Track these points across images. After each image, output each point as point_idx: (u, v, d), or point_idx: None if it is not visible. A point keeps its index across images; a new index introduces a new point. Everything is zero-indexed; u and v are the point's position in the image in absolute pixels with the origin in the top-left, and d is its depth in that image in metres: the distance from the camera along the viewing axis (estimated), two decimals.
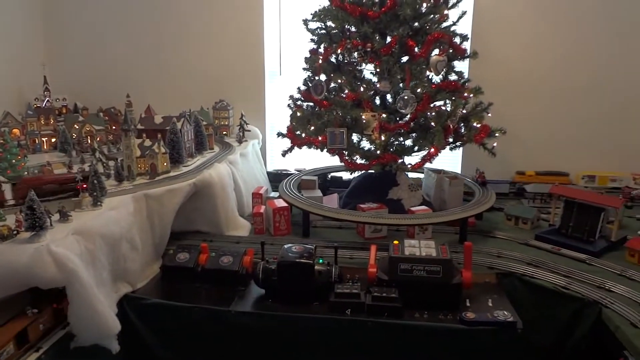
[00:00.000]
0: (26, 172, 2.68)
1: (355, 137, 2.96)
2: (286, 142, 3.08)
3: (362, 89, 2.86)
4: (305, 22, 3.05)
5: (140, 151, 2.64)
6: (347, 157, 2.91)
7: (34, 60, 4.08)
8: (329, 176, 3.61)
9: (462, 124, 2.95)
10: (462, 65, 3.12)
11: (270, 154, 4.11)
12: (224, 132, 3.76)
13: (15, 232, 1.90)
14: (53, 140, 3.42)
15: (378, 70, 2.86)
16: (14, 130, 3.35)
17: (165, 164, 2.71)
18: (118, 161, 2.70)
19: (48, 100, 3.79)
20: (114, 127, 3.66)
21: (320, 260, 2.32)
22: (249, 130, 3.71)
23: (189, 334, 2.26)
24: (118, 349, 1.98)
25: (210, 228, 2.83)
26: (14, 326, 1.85)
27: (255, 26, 3.95)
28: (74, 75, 4.19)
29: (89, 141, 3.34)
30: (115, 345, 1.97)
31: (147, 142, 2.68)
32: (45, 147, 3.40)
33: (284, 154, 3.04)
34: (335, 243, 2.49)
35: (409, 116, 2.87)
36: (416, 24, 2.88)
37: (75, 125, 3.42)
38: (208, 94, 3.93)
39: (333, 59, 3.00)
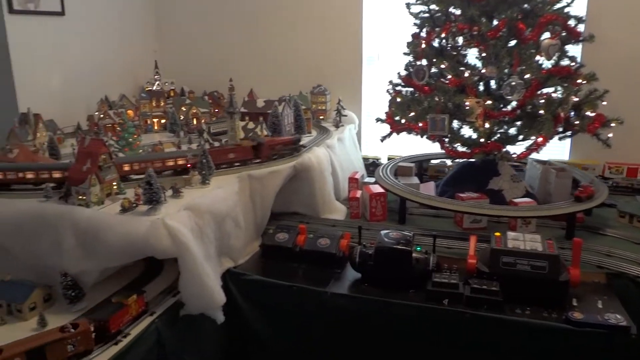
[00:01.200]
0: (141, 150, 2.89)
1: (455, 124, 2.89)
2: (384, 128, 3.07)
3: (466, 74, 2.76)
4: (408, 5, 2.99)
5: (243, 133, 2.74)
6: (447, 145, 2.84)
7: (147, 47, 4.36)
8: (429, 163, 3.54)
9: (573, 113, 2.76)
10: (574, 50, 2.91)
11: (365, 139, 4.11)
12: (321, 117, 3.80)
13: (134, 204, 2.05)
14: (163, 121, 3.65)
15: (484, 54, 2.75)
16: (128, 111, 3.60)
17: None
18: (222, 142, 2.83)
19: (158, 84, 4.04)
20: (216, 110, 3.83)
21: (418, 248, 2.29)
22: (346, 115, 3.72)
23: (285, 310, 2.33)
24: (223, 319, 2.09)
25: (307, 210, 2.89)
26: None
27: (355, 11, 3.94)
28: (181, 61, 4.43)
29: (195, 122, 3.52)
30: (221, 315, 2.08)
31: (250, 125, 2.77)
32: (155, 127, 3.63)
33: (383, 139, 3.03)
34: (434, 231, 2.44)
35: (514, 103, 2.74)
36: (526, 5, 2.73)
37: (183, 108, 3.62)
38: (306, 79, 4.00)
39: (436, 43, 2.92)
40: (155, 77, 4.07)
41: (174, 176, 2.37)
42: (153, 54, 4.23)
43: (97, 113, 3.47)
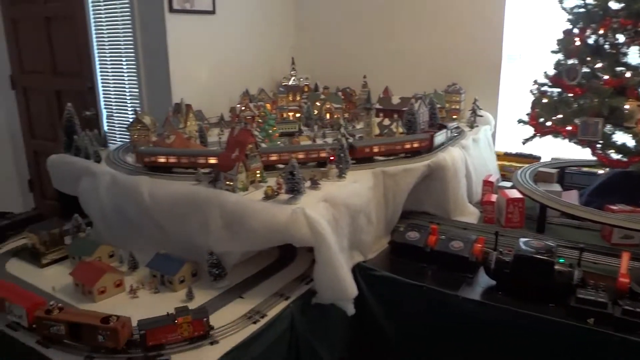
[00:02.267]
0: (279, 142, 3.02)
1: (607, 129, 2.64)
2: (524, 130, 2.91)
3: (627, 75, 2.51)
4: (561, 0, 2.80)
5: (379, 129, 2.75)
6: (599, 151, 2.62)
7: (285, 43, 4.55)
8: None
9: None
10: None
11: (499, 141, 3.93)
12: (454, 116, 3.69)
13: (276, 193, 2.16)
14: (297, 115, 3.79)
15: None
16: (266, 104, 3.78)
17: None
18: (356, 137, 2.86)
19: (294, 79, 4.19)
20: (347, 106, 3.89)
21: (561, 260, 2.14)
22: (481, 116, 3.58)
23: (413, 310, 2.31)
24: (353, 311, 2.12)
25: (437, 211, 2.83)
26: None
27: (497, 5, 3.77)
28: (316, 57, 4.56)
29: (328, 117, 3.60)
30: (351, 308, 2.12)
31: (386, 122, 2.77)
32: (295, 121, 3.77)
33: (525, 142, 2.87)
34: (581, 244, 2.27)
35: None
36: None
37: (317, 103, 3.72)
38: (440, 77, 3.90)
39: (591, 41, 2.70)
40: (292, 72, 4.23)
41: (314, 168, 2.45)
42: (290, 50, 4.40)
43: (238, 105, 3.69)
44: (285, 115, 3.77)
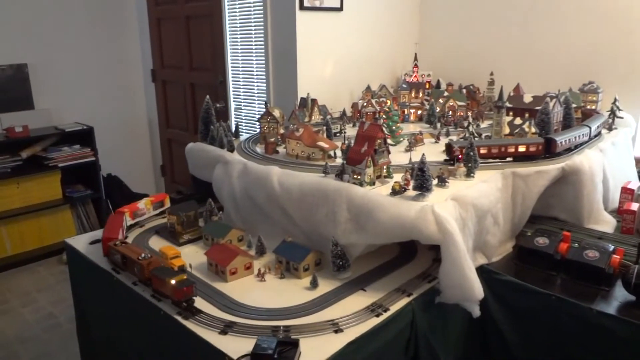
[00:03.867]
0: (402, 139, 3.02)
1: None
2: None
3: None
4: None
5: (509, 129, 2.65)
6: None
7: (408, 39, 4.52)
8: None
9: None
10: None
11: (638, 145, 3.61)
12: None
13: (403, 189, 2.16)
14: (419, 112, 3.76)
15: None
16: (387, 101, 3.80)
17: None
18: (483, 136, 2.78)
19: (416, 76, 4.16)
20: (470, 104, 3.78)
21: None
22: (622, 117, 3.31)
23: (539, 320, 2.20)
24: (478, 314, 2.08)
25: (568, 217, 2.67)
26: None
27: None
28: (440, 53, 4.48)
29: (452, 115, 3.54)
30: (477, 310, 2.07)
31: (517, 121, 2.66)
32: (412, 117, 3.76)
33: None
34: None
35: None
36: None
37: (440, 100, 3.67)
38: (574, 74, 3.67)
39: None
40: (414, 68, 4.20)
41: (442, 165, 2.43)
42: (414, 46, 4.36)
43: (360, 101, 3.74)
44: (407, 112, 3.77)
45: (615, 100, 3.31)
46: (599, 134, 3.04)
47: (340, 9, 3.88)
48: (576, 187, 2.57)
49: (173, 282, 2.00)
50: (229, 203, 2.79)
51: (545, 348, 2.21)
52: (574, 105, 3.07)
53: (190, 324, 1.93)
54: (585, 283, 2.21)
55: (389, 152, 2.38)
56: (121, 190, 5.50)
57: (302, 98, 3.40)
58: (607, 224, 2.68)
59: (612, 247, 2.28)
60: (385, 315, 1.96)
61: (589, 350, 2.08)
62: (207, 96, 3.19)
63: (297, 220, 2.41)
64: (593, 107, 3.44)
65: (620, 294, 2.13)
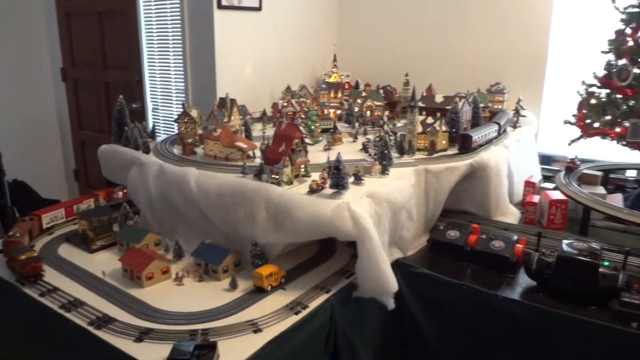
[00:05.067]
0: (321, 138, 3.06)
1: None
2: (569, 131, 2.87)
3: None
4: None
5: (422, 128, 2.76)
6: None
7: (327, 40, 4.58)
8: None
9: None
10: None
11: (541, 141, 3.87)
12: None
13: (320, 187, 2.20)
14: (338, 112, 3.82)
15: None
16: (307, 101, 3.83)
17: (444, 142, 2.78)
18: (398, 135, 2.88)
19: (335, 76, 4.22)
20: (388, 104, 3.90)
21: (606, 263, 2.11)
22: (525, 116, 3.54)
23: (451, 309, 2.31)
24: (393, 306, 2.15)
25: (478, 210, 2.83)
26: None
27: (543, 5, 3.71)
28: (359, 54, 4.58)
29: (370, 115, 3.63)
30: (392, 302, 2.14)
31: (429, 120, 2.78)
32: (332, 117, 3.80)
33: (571, 143, 2.83)
34: (626, 247, 2.23)
35: None
36: None
37: (358, 100, 3.75)
38: (483, 76, 3.87)
39: None
40: (333, 69, 4.26)
41: (358, 163, 2.48)
42: (333, 47, 4.43)
43: (280, 101, 3.75)
44: (326, 111, 3.82)
45: (519, 100, 3.53)
46: (504, 131, 3.24)
47: (259, 8, 3.87)
48: (484, 182, 2.72)
49: (22, 257, 2.14)
50: (145, 206, 2.70)
51: (457, 336, 2.32)
52: (481, 105, 3.25)
53: (102, 334, 1.86)
54: (493, 271, 2.34)
55: (306, 152, 2.40)
56: (29, 196, 5.16)
57: (221, 98, 3.35)
58: (512, 215, 2.86)
59: (516, 237, 2.43)
60: (304, 313, 1.99)
61: (497, 335, 2.21)
62: (121, 96, 3.07)
63: (216, 221, 2.38)
64: (499, 107, 3.65)
65: (524, 280, 2.28)
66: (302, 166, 2.38)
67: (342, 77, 4.28)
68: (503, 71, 3.87)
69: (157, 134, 3.33)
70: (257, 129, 3.38)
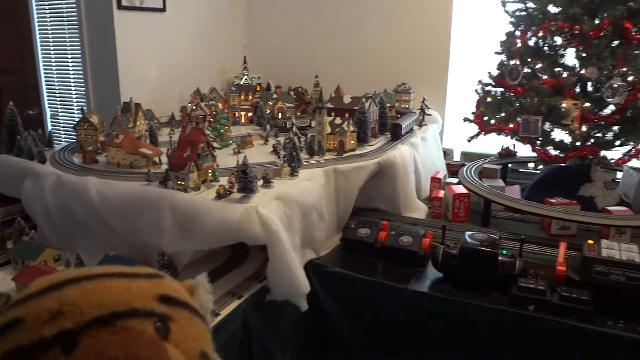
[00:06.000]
0: (231, 142, 3.02)
1: (546, 127, 2.79)
2: (469, 128, 3.02)
3: (564, 75, 2.66)
4: (503, 3, 2.92)
5: (330, 128, 2.79)
6: (539, 148, 2.75)
7: (237, 42, 4.53)
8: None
9: None
10: None
11: (447, 139, 4.06)
12: (425, 123, 3.77)
13: (228, 192, 2.16)
14: (250, 114, 3.79)
15: (584, 55, 2.63)
16: (218, 104, 3.76)
17: (352, 142, 2.83)
18: (308, 136, 2.90)
19: (246, 79, 4.19)
20: (299, 105, 3.91)
21: (504, 251, 2.24)
22: (430, 115, 3.69)
23: (365, 304, 2.36)
24: (306, 307, 2.15)
25: (388, 207, 2.90)
26: None
27: (444, 9, 3.90)
28: (269, 56, 4.56)
29: (281, 117, 3.62)
30: (304, 304, 2.14)
31: (337, 120, 2.82)
32: (243, 120, 3.77)
33: (470, 139, 2.98)
34: (522, 235, 2.38)
35: (613, 106, 2.61)
36: (632, 3, 2.59)
37: (270, 102, 3.73)
38: (390, 76, 4.00)
39: (532, 43, 2.84)
40: (244, 71, 4.22)
41: (267, 166, 2.47)
42: (243, 49, 4.39)
43: (189, 104, 3.65)
44: (237, 114, 3.77)
45: (424, 99, 3.68)
46: (411, 130, 3.35)
47: (163, 9, 3.75)
48: (392, 179, 2.80)
49: None
50: (42, 220, 2.52)
51: (372, 330, 2.37)
52: (388, 105, 3.34)
53: None
54: (403, 266, 2.41)
55: (213, 156, 2.35)
56: None
57: (124, 103, 3.21)
58: (420, 211, 2.97)
59: (423, 231, 2.52)
60: (215, 321, 1.94)
61: (409, 328, 2.28)
62: (11, 102, 2.86)
63: (120, 232, 2.27)
64: (406, 106, 3.78)
65: (432, 272, 2.37)
66: (210, 171, 2.32)
67: (254, 79, 4.26)
68: (409, 71, 4.02)
69: (56, 142, 3.12)
70: (165, 134, 3.27)
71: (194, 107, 3.53)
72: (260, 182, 2.27)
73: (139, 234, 2.20)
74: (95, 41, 3.57)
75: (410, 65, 4.06)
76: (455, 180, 3.12)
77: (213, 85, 4.04)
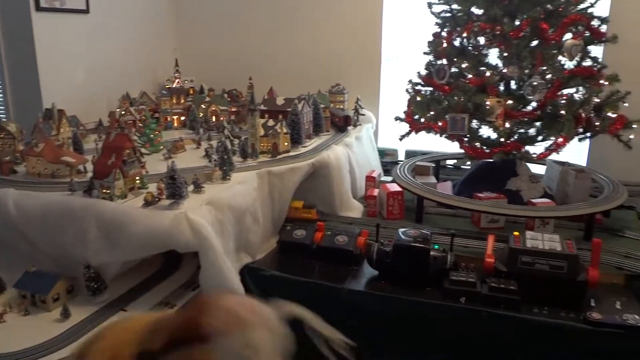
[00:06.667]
0: (161, 147, 2.93)
1: (474, 124, 2.88)
2: (402, 127, 3.07)
3: (487, 74, 2.76)
4: (430, 5, 3.00)
5: (263, 130, 2.77)
6: (467, 144, 2.84)
7: (168, 45, 4.41)
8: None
9: (594, 114, 2.74)
10: (596, 51, 2.90)
11: (382, 138, 4.12)
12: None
13: (157, 199, 2.09)
14: (182, 118, 3.69)
15: (505, 54, 2.74)
16: (148, 108, 3.65)
17: (286, 143, 2.82)
18: (242, 139, 2.86)
19: (178, 82, 4.09)
20: (234, 109, 3.85)
21: (436, 246, 2.30)
22: (364, 115, 3.73)
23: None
24: None
25: (324, 207, 2.90)
26: None
27: (375, 10, 3.96)
28: (201, 59, 4.47)
29: (214, 120, 3.56)
30: None
31: (270, 122, 2.80)
32: (175, 124, 3.67)
33: (402, 138, 3.03)
34: (452, 230, 2.45)
35: (535, 103, 2.74)
36: (549, 5, 2.72)
37: (203, 105, 3.65)
38: (325, 78, 4.01)
39: (457, 43, 2.93)
40: (176, 74, 4.12)
41: (197, 171, 2.41)
42: (173, 52, 4.27)
43: (118, 110, 3.52)
44: (169, 118, 3.67)
45: (358, 100, 3.71)
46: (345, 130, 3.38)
47: (87, 11, 3.59)
48: (327, 179, 2.81)
49: None
50: None
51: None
52: (322, 106, 3.35)
53: None
54: (339, 265, 2.42)
55: (140, 162, 2.28)
56: None
57: (46, 109, 3.06)
58: (356, 210, 2.99)
59: (358, 230, 2.54)
60: None
61: (348, 327, 2.27)
62: None
63: (42, 245, 2.15)
64: (340, 107, 3.81)
65: (368, 270, 2.39)
66: (137, 178, 2.24)
67: (186, 82, 4.16)
68: (343, 73, 4.04)
69: None
70: (92, 141, 3.12)
71: (123, 112, 3.41)
72: (191, 188, 2.21)
73: (62, 247, 2.10)
74: (12, 45, 3.37)
75: (344, 66, 4.09)
76: (389, 178, 3.16)
77: (144, 89, 3.92)
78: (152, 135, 2.86)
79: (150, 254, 2.13)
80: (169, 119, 3.66)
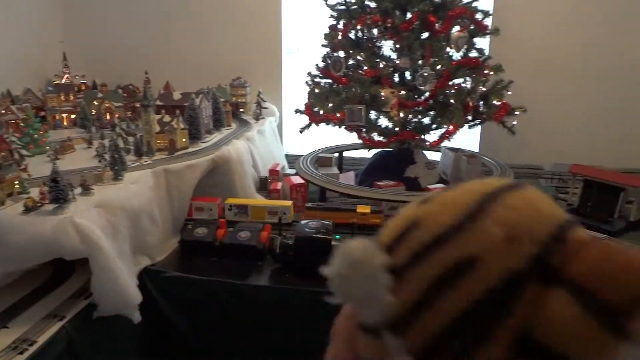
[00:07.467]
0: (47, 147, 2.73)
1: (372, 115, 2.95)
2: (304, 119, 3.09)
3: (381, 66, 2.83)
4: None
5: (159, 127, 2.66)
6: (364, 134, 2.91)
7: (54, 37, 4.11)
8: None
9: (481, 102, 2.92)
10: (482, 43, 3.08)
11: (287, 131, 4.12)
12: (242, 110, 3.76)
13: (39, 204, 1.94)
14: (73, 116, 3.46)
15: (398, 46, 2.83)
16: (32, 106, 3.38)
17: (184, 139, 2.73)
18: (137, 137, 2.73)
19: (67, 77, 3.83)
20: (131, 105, 3.68)
21: (338, 237, 2.33)
22: (266, 108, 3.70)
23: (207, 306, 2.29)
24: (139, 319, 2.02)
25: None
26: None
27: (273, 3, 3.93)
28: (93, 52, 4.21)
29: (108, 117, 3.37)
30: (137, 315, 2.02)
31: (167, 118, 2.69)
32: (65, 123, 3.43)
33: (302, 130, 3.05)
34: (354, 220, 2.50)
35: (427, 93, 2.85)
36: None
37: (95, 102, 3.45)
38: (226, 71, 3.93)
39: (352, 35, 2.98)
40: (64, 69, 3.85)
41: (85, 172, 2.27)
42: (59, 44, 3.99)
43: None
44: (58, 117, 3.43)
45: (260, 93, 3.68)
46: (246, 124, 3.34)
47: None
48: (228, 174, 2.76)
49: None
50: None
51: (217, 331, 2.32)
52: (222, 100, 3.28)
53: None
54: (243, 262, 2.39)
55: (19, 165, 2.10)
56: None
57: None
58: None
59: (261, 224, 2.52)
60: (31, 350, 1.73)
61: (253, 321, 2.27)
62: None
63: None
64: (242, 100, 3.76)
65: (272, 265, 2.38)
66: (16, 182, 2.07)
67: (77, 77, 3.91)
68: (243, 66, 3.99)
69: None
70: None
71: (3, 111, 3.13)
72: (79, 190, 2.08)
73: None
74: None
75: (246, 59, 4.03)
76: (292, 171, 3.17)
77: (29, 86, 3.63)
78: (36, 136, 2.65)
79: (34, 264, 1.98)
80: (57, 118, 3.41)
